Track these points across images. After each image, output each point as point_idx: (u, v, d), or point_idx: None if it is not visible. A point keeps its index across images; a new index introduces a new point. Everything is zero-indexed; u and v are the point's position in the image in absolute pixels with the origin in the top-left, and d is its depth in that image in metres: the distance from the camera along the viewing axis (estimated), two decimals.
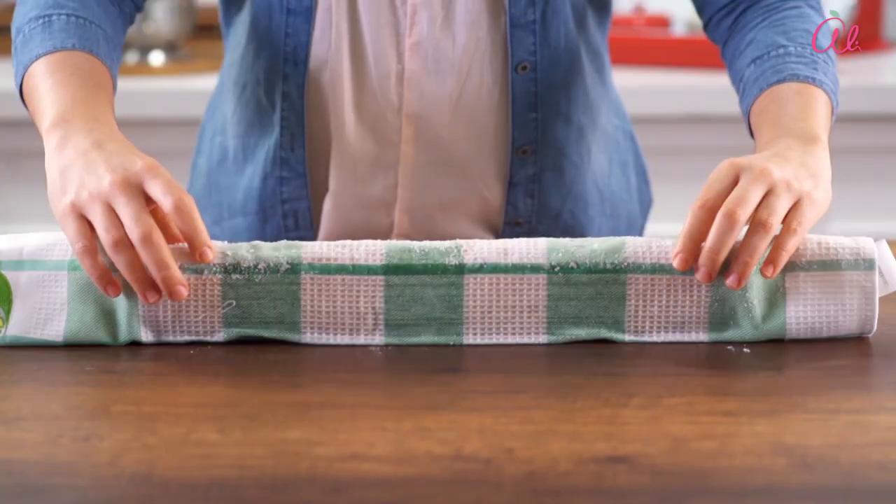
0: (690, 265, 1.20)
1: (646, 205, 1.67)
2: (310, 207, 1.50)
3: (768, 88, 1.34)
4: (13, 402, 1.11)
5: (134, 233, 1.16)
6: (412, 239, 1.49)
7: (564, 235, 1.48)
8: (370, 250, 1.22)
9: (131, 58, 2.65)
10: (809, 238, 1.24)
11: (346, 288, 1.22)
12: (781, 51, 1.37)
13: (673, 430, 1.04)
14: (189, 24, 2.69)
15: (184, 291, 1.18)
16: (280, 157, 1.49)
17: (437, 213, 1.51)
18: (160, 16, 2.63)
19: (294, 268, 1.21)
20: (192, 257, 1.19)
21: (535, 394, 1.12)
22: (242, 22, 1.52)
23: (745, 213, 1.17)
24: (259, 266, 1.21)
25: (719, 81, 2.30)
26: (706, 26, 1.49)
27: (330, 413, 1.08)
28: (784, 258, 1.20)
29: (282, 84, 1.48)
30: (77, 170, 1.19)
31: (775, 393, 1.12)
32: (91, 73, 1.29)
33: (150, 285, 1.18)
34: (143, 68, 2.63)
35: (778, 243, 1.20)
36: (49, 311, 1.22)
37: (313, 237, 1.51)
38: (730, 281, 1.19)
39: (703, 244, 1.20)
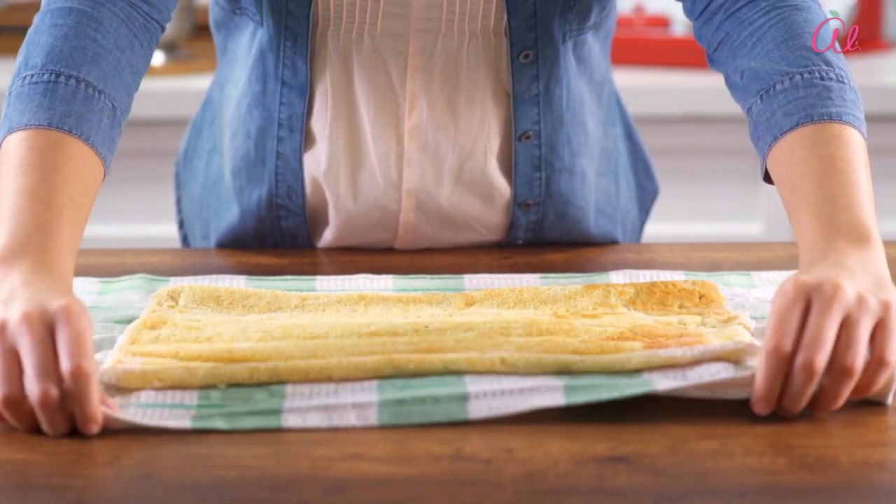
0: (772, 410, 1.06)
1: (648, 199, 1.65)
2: (308, 234, 1.50)
3: (782, 137, 1.24)
4: None
5: (32, 391, 1.03)
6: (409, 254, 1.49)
7: (565, 250, 1.49)
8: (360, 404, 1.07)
9: None
10: None
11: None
12: (787, 82, 1.27)
13: (673, 430, 1.04)
14: (189, 24, 2.69)
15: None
16: (277, 204, 1.47)
17: (436, 251, 1.50)
18: None
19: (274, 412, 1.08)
20: (78, 421, 1.04)
21: None
22: (239, 61, 1.48)
23: (824, 358, 1.04)
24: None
25: (719, 81, 2.28)
26: (688, 19, 1.40)
27: None
28: (871, 391, 1.07)
29: (277, 145, 1.45)
30: None
31: None
32: (68, 180, 1.18)
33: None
34: None
35: (868, 380, 1.06)
36: None
37: (312, 248, 1.51)
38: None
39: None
